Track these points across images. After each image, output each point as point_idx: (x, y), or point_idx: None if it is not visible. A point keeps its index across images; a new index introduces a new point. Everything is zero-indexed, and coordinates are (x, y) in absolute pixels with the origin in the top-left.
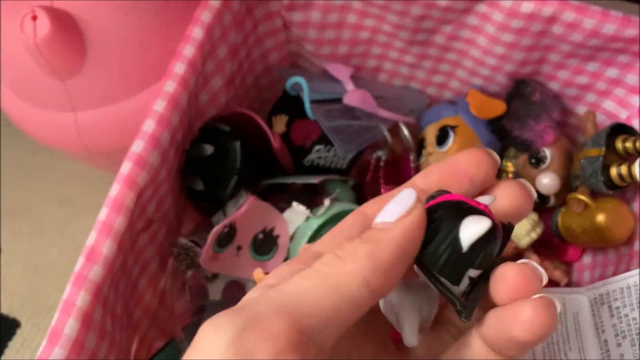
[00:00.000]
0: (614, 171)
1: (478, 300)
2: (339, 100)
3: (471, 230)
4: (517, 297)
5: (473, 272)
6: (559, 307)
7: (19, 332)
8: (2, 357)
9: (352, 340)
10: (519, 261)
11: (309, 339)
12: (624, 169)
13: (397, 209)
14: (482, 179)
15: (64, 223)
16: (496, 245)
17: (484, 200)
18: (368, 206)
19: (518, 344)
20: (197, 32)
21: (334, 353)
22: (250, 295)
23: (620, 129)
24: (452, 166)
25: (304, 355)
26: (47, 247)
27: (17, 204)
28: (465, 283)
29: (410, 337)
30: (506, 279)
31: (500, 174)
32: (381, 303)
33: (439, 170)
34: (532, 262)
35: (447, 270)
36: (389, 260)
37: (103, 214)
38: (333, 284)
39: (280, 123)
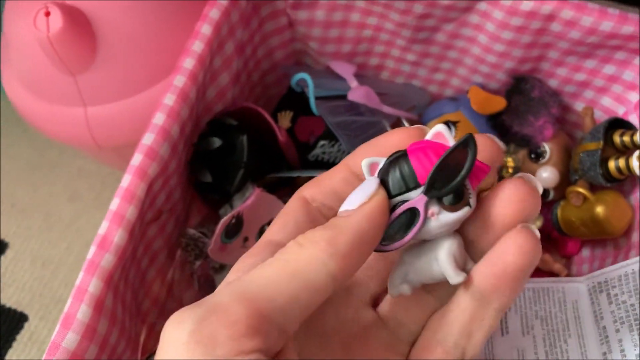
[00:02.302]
0: (612, 164)
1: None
2: (343, 97)
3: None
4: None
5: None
6: (537, 234)
7: (26, 325)
8: (10, 351)
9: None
10: (516, 176)
11: (270, 323)
12: (622, 162)
13: (358, 197)
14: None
15: (72, 218)
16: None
17: None
18: (305, 189)
19: (514, 272)
20: (205, 29)
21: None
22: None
23: (618, 124)
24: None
25: (265, 339)
26: (56, 241)
27: (26, 200)
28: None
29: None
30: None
31: (500, 169)
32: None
33: None
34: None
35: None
36: (348, 244)
37: (115, 203)
38: (292, 269)
39: (285, 119)
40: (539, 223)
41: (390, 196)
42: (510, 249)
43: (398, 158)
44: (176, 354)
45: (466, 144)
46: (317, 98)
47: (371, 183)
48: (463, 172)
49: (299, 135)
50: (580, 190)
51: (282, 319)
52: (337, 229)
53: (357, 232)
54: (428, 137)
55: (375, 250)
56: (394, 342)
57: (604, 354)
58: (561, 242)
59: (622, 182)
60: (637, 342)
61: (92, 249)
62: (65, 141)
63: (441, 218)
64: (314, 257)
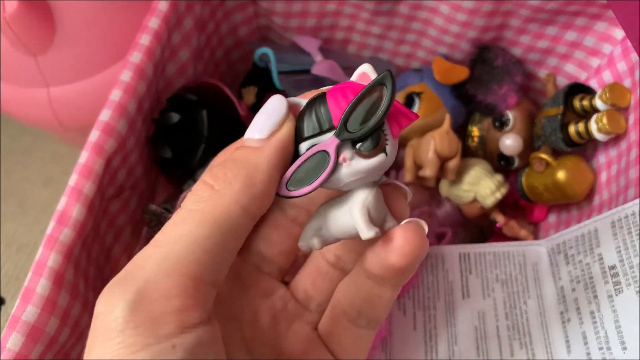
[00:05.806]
0: (572, 129)
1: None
2: (307, 72)
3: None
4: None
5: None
6: (425, 228)
7: (3, 309)
8: None
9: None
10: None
11: (205, 284)
12: (581, 127)
13: (268, 123)
14: None
15: (47, 202)
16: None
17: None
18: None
19: (397, 271)
20: (162, 5)
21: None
22: (135, 260)
23: (578, 89)
24: None
25: (205, 304)
26: (31, 226)
27: (1, 185)
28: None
29: (366, 230)
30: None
31: (466, 138)
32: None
33: None
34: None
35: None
36: (265, 182)
37: (72, 179)
38: (212, 221)
39: (250, 94)
40: (503, 190)
41: (303, 138)
42: (395, 249)
43: (316, 99)
44: (114, 344)
45: (382, 81)
46: (281, 73)
47: (279, 104)
48: (379, 113)
49: None
50: (542, 156)
51: (214, 274)
52: (251, 167)
53: (272, 167)
54: (353, 78)
55: (281, 196)
56: (303, 312)
57: (562, 313)
58: (528, 209)
59: (583, 147)
60: (592, 299)
61: (51, 224)
62: (31, 122)
63: (353, 164)
64: (233, 201)
